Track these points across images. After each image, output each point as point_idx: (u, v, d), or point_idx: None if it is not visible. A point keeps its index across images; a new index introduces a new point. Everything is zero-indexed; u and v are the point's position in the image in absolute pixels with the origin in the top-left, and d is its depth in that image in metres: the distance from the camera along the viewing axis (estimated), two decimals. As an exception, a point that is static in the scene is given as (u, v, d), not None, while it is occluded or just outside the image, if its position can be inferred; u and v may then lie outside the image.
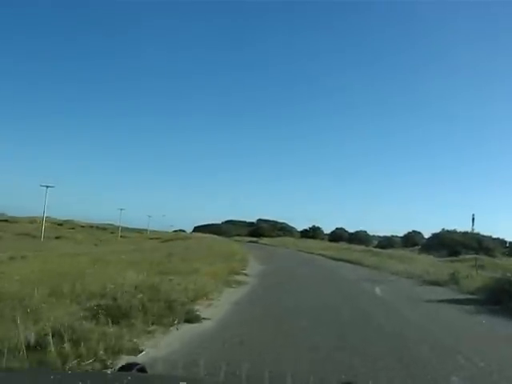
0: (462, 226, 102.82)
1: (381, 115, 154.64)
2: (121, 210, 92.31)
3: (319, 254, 50.09)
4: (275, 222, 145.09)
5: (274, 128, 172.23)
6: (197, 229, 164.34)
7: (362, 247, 73.48)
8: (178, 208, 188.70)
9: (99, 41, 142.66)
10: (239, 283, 16.27)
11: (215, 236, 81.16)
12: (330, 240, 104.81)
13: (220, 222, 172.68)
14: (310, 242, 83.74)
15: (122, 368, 2.64)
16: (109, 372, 2.95)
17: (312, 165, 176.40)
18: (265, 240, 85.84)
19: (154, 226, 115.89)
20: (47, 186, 51.23)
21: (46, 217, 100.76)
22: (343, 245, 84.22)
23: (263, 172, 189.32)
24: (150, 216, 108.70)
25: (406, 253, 56.23)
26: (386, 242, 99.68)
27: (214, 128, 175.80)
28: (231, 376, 5.26)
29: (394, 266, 29.27)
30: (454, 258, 50.54)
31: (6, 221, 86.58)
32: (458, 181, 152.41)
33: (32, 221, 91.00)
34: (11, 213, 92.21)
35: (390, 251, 60.03)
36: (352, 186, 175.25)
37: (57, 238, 57.96)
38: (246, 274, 19.77)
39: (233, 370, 5.39)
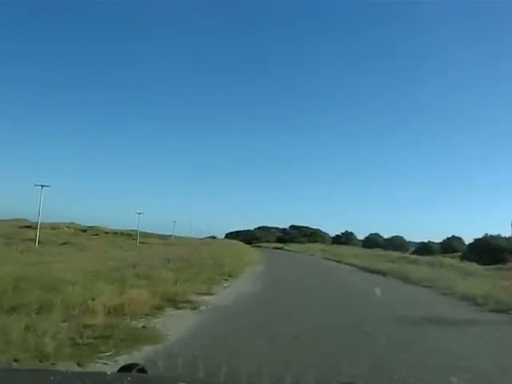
0: (498, 231, 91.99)
1: (420, 122, 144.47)
2: (139, 214, 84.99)
3: (348, 264, 39.52)
4: (308, 228, 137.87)
5: (309, 134, 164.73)
6: (229, 235, 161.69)
7: (398, 254, 66.52)
8: (211, 215, 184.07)
9: (107, 48, 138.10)
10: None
11: (239, 242, 73.75)
12: (364, 246, 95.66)
13: (253, 229, 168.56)
14: (341, 249, 75.31)
15: (122, 368, 2.48)
16: (108, 373, 2.42)
17: (347, 171, 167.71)
18: (291, 246, 77.50)
19: (182, 232, 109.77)
20: (42, 186, 44.42)
21: (71, 223, 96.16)
22: (377, 251, 76.74)
23: (298, 178, 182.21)
24: (174, 221, 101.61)
25: (452, 261, 46.65)
26: (424, 249, 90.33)
27: (251, 135, 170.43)
28: (231, 376, 5.05)
29: (457, 284, 18.93)
30: (503, 266, 42.39)
31: (28, 227, 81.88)
32: (497, 186, 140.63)
33: (54, 227, 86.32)
34: (34, 219, 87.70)
35: (428, 258, 52.14)
36: (388, 191, 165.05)
37: (63, 244, 51.71)
38: (195, 307, 10.94)
39: (232, 370, 5.20)
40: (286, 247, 77.19)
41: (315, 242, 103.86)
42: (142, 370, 2.39)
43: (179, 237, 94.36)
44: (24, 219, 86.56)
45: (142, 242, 74.67)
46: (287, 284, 18.80)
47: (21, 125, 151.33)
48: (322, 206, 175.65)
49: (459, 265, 40.96)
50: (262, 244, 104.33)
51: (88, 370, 5.36)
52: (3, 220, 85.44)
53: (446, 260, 48.04)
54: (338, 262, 42.99)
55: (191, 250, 26.19)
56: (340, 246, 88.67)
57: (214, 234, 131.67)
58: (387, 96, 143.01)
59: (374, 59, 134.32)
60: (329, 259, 47.66)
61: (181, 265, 16.33)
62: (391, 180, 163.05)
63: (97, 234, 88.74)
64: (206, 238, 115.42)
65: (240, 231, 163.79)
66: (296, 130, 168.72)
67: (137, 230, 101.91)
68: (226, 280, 16.85)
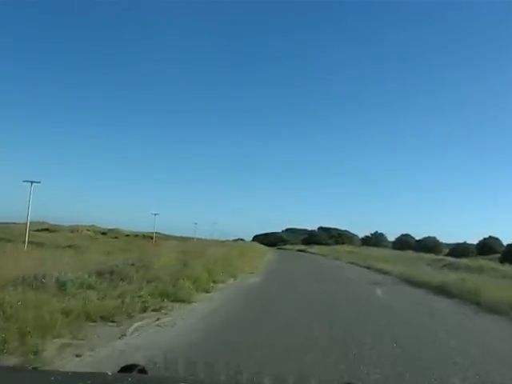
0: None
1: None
2: (155, 215, 79.63)
3: (381, 271, 29.31)
4: (336, 230, 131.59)
5: (337, 136, 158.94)
6: (256, 238, 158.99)
7: (432, 256, 60.49)
8: (240, 218, 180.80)
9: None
10: None
11: (256, 244, 68.59)
12: (394, 248, 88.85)
13: (280, 231, 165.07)
14: (369, 251, 69.15)
15: (123, 369, 2.42)
16: (109, 373, 2.31)
17: (377, 171, 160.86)
18: (315, 248, 71.38)
19: (206, 234, 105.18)
20: (32, 182, 39.81)
21: (92, 225, 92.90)
22: (409, 253, 70.42)
23: (327, 180, 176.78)
24: (195, 223, 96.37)
25: (492, 264, 39.83)
26: (459, 250, 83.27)
27: (277, 137, 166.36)
28: (231, 377, 4.79)
29: None
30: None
31: (46, 230, 78.80)
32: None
33: (73, 229, 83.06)
34: (55, 221, 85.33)
35: (465, 261, 46.21)
36: (419, 192, 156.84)
37: (68, 246, 47.52)
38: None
39: (233, 371, 5.00)
40: (309, 249, 70.86)
41: (343, 243, 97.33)
42: (143, 371, 2.34)
43: (200, 239, 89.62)
44: (44, 222, 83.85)
45: (158, 245, 70.05)
46: (269, 322, 9.87)
47: (34, 124, 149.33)
48: (351, 208, 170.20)
49: (501, 268, 34.70)
50: (287, 246, 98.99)
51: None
52: (23, 222, 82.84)
53: (486, 263, 41.55)
54: (368, 268, 33.90)
55: (178, 252, 20.86)
56: (369, 247, 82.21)
57: (242, 237, 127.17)
58: (420, 97, 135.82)
59: (390, 62, 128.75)
60: (356, 264, 39.05)
61: (120, 277, 11.08)
62: (423, 180, 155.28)
63: (116, 237, 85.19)
64: (226, 240, 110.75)
65: (268, 233, 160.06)
66: (323, 131, 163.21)
67: (158, 233, 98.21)
68: (158, 310, 9.47)
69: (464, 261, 46.78)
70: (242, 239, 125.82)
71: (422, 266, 31.76)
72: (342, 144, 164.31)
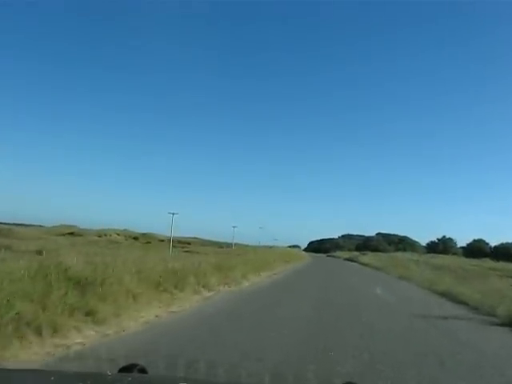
0: None
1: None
2: (172, 214, 62.05)
3: None
4: (395, 236, 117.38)
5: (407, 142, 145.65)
6: (311, 244, 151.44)
7: None
8: (296, 224, 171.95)
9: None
10: None
11: (299, 252, 56.35)
12: (466, 255, 73.53)
13: (337, 237, 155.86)
14: (441, 259, 55.21)
15: (123, 369, 2.35)
16: (109, 373, 2.27)
17: (445, 176, 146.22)
18: (368, 257, 57.10)
19: (247, 239, 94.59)
20: None
21: (124, 230, 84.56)
22: (487, 262, 56.43)
23: (386, 186, 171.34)
24: (234, 226, 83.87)
25: None
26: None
27: (330, 145, 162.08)
28: (232, 376, 4.82)
29: None
30: None
31: (71, 233, 71.35)
32: None
33: (101, 234, 74.82)
34: (84, 225, 78.09)
35: None
36: (491, 193, 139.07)
37: (38, 252, 38.17)
38: None
39: (233, 370, 4.95)
40: (360, 258, 55.41)
41: (404, 250, 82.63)
42: (143, 371, 2.30)
43: (243, 244, 78.52)
44: (72, 225, 76.69)
45: (188, 251, 59.72)
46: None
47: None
48: (412, 213, 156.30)
49: None
50: (337, 253, 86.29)
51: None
52: (51, 226, 76.56)
53: None
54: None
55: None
56: (435, 255, 67.47)
57: (297, 243, 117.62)
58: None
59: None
60: (467, 303, 14.64)
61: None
62: (498, 183, 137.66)
63: (149, 242, 76.35)
64: (273, 246, 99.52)
65: (324, 240, 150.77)
66: (384, 139, 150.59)
67: (197, 238, 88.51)
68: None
69: None
70: (297, 246, 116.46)
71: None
72: (403, 151, 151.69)
